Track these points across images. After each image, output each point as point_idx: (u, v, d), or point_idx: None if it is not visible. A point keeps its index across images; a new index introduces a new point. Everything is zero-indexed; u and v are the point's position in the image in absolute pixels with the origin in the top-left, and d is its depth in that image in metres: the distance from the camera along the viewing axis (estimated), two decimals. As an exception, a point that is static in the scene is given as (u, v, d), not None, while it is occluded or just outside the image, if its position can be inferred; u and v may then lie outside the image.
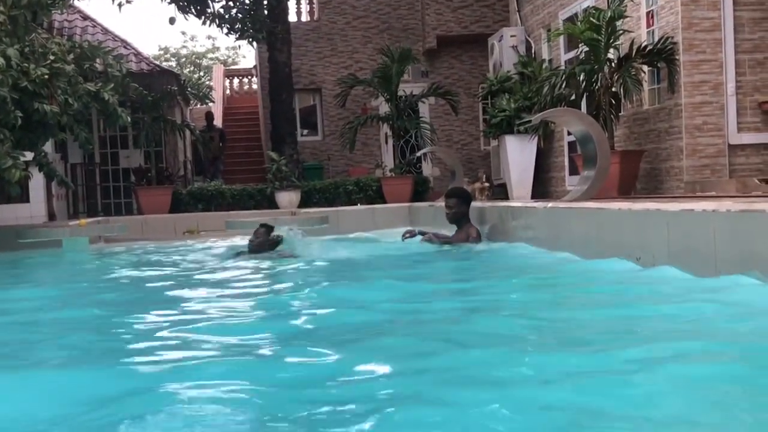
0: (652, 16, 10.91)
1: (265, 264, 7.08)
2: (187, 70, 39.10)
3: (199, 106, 23.21)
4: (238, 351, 3.25)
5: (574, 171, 12.84)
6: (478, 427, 2.05)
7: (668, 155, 10.46)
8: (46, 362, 3.19)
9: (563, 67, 12.42)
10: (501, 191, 14.28)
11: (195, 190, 15.44)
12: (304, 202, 14.91)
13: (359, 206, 14.44)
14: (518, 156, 13.81)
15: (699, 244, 4.61)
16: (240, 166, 19.75)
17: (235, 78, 25.49)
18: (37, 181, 12.73)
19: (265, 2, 16.40)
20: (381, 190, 15.27)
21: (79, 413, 2.34)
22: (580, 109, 10.78)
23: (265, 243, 7.74)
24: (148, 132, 15.61)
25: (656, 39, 10.50)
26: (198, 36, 45.93)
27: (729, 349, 2.90)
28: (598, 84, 10.56)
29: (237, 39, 16.71)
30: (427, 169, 18.12)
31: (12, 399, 2.52)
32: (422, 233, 8.46)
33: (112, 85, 10.91)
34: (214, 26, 16.30)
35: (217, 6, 16.32)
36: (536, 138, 13.41)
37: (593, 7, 11.81)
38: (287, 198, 14.68)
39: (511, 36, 15.57)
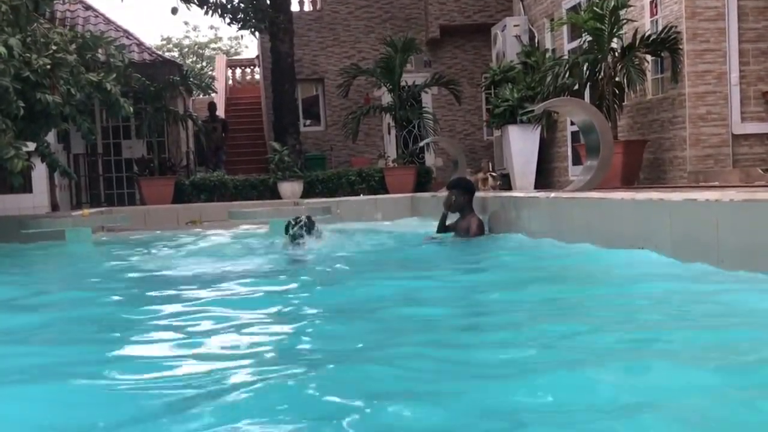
0: (656, 6, 10.86)
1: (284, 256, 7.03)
2: (190, 60, 39.06)
3: (201, 96, 23.17)
4: (239, 344, 3.25)
5: (577, 161, 12.82)
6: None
7: (671, 145, 10.44)
8: (46, 353, 3.19)
9: (566, 57, 12.37)
10: (504, 181, 14.25)
11: (198, 180, 15.44)
12: (307, 193, 14.91)
13: (362, 196, 14.44)
14: (521, 146, 13.78)
15: (702, 234, 4.60)
16: (242, 157, 19.74)
17: (238, 68, 25.45)
18: (39, 172, 12.73)
19: (268, -8, 16.36)
20: (384, 181, 15.26)
21: (80, 405, 2.34)
22: (583, 98, 10.75)
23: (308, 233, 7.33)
24: (151, 122, 15.60)
25: (660, 28, 10.46)
26: (200, 26, 45.95)
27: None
28: (602, 74, 10.52)
29: (239, 29, 16.68)
30: (430, 160, 18.10)
31: (14, 389, 2.53)
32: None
33: (115, 75, 10.88)
34: (216, 16, 16.27)
35: (220, -5, 16.28)
36: (539, 128, 13.39)
37: (597, -4, 11.75)
38: (290, 188, 14.68)
39: (514, 25, 15.51)
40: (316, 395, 2.31)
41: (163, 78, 15.94)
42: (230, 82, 24.53)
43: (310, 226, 7.39)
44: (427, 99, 18.36)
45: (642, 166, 10.66)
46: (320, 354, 3.05)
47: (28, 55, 9.21)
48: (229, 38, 45.91)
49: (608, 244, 5.62)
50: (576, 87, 10.96)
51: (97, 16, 18.11)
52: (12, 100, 8.74)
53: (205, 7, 16.17)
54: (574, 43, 13.22)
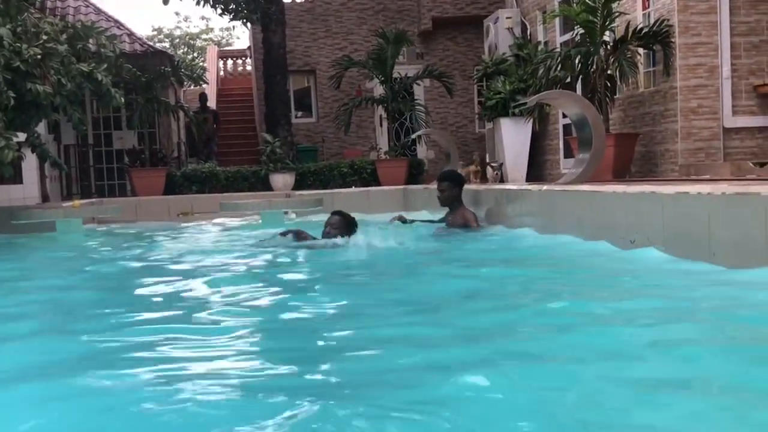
0: (648, -1, 10.87)
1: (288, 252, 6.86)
2: (181, 51, 38.89)
3: (192, 87, 23.09)
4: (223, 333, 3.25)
5: (569, 154, 12.83)
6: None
7: (663, 138, 10.46)
8: (34, 345, 3.18)
9: (559, 50, 12.37)
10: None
11: (189, 171, 15.40)
12: (299, 185, 14.89)
13: (354, 188, 14.43)
14: (513, 139, 13.78)
15: (694, 227, 4.62)
16: (234, 148, 19.69)
17: (229, 59, 25.35)
18: (30, 163, 12.68)
19: (260, -17, 16.29)
20: (376, 173, 15.24)
21: (67, 396, 2.33)
22: (575, 91, 10.75)
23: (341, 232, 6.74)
24: (142, 113, 15.53)
25: (652, 21, 10.47)
26: (192, 17, 45.68)
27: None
28: (594, 66, 10.52)
29: (231, 20, 16.61)
30: (422, 152, 18.09)
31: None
32: (411, 221, 8.47)
33: (106, 65, 10.84)
34: (207, 7, 16.19)
35: (211, -14, 16.20)
36: (531, 121, 13.39)
37: (589, -11, 11.74)
38: (281, 180, 14.65)
39: (507, 18, 15.49)
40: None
41: (154, 68, 15.87)
42: (221, 73, 24.44)
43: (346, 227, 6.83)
44: (419, 91, 18.33)
45: (633, 159, 10.68)
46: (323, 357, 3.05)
47: (18, 44, 9.16)
48: (221, 29, 45.71)
49: (599, 237, 5.64)
50: (568, 80, 10.96)
51: (87, 6, 18.00)
52: (2, 90, 8.69)
53: (197, -3, 16.09)
54: (567, 36, 13.22)
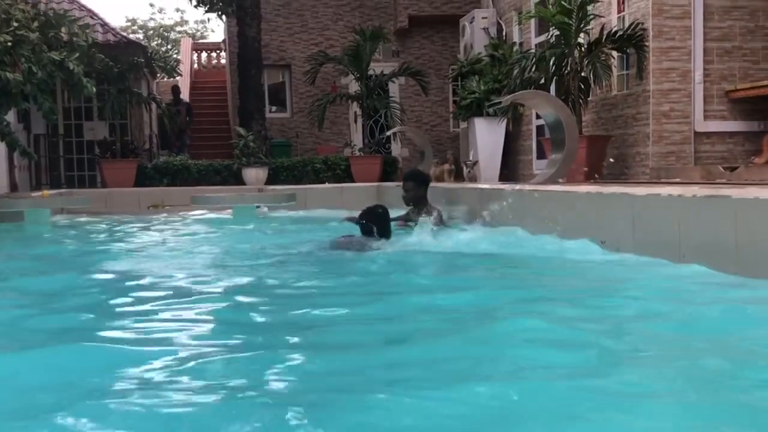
0: (623, 2, 10.95)
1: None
2: (155, 42, 38.54)
3: (166, 79, 22.88)
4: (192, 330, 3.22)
5: (541, 155, 12.90)
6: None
7: (635, 141, 10.54)
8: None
9: (534, 51, 12.43)
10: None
11: (160, 164, 15.27)
12: (272, 180, 14.82)
13: (327, 185, 14.39)
14: (487, 138, 13.84)
15: (664, 229, 4.65)
16: (207, 141, 19.54)
17: (204, 52, 25.18)
18: (-2, 151, 12.50)
19: (236, -25, 16.19)
20: (349, 169, 15.22)
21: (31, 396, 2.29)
22: (549, 92, 10.80)
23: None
24: (114, 104, 15.36)
25: (626, 25, 10.55)
26: (166, 8, 45.27)
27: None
28: (568, 68, 10.58)
29: (206, 12, 16.52)
30: (397, 149, 18.09)
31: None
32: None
33: (78, 54, 10.72)
34: (183, -2, 16.07)
35: (187, -22, 16.09)
36: (505, 121, 13.44)
37: (565, -10, 11.81)
38: (254, 174, 14.57)
39: (483, 18, 15.55)
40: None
41: (127, 59, 15.70)
42: (195, 65, 24.25)
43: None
44: (394, 89, 18.33)
45: (605, 161, 10.76)
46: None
47: (-12, 31, 9.03)
48: (195, 21, 45.40)
49: (570, 237, 5.66)
50: (542, 81, 11.01)
51: (60, -5, 17.76)
52: (-29, 77, 8.56)
53: (172, -12, 15.96)
54: (542, 37, 13.29)
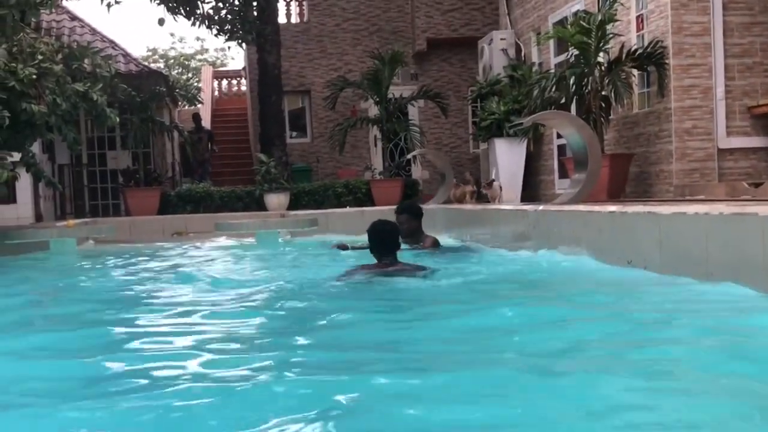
0: (642, 20, 10.93)
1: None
2: (176, 71, 38.93)
3: (187, 107, 23.10)
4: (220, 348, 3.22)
5: (563, 174, 12.85)
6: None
7: (658, 159, 10.48)
8: (27, 365, 3.14)
9: (553, 71, 12.43)
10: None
11: (183, 191, 15.37)
12: (293, 205, 14.86)
13: (348, 208, 14.40)
14: (508, 159, 13.81)
15: (691, 247, 4.61)
16: (228, 168, 19.67)
17: (224, 79, 25.41)
18: (24, 182, 12.64)
19: (255, 3, 16.34)
20: (370, 193, 15.24)
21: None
22: (570, 112, 10.78)
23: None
24: (137, 133, 15.53)
25: (646, 43, 10.52)
26: (187, 37, 45.72)
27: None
28: (589, 87, 10.56)
29: (226, 40, 16.66)
30: (417, 172, 18.11)
31: None
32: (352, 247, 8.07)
33: (101, 85, 10.84)
34: (203, 27, 16.24)
35: (207, 7, 16.24)
36: (526, 141, 13.42)
37: (583, 10, 11.82)
38: (276, 200, 14.63)
39: (501, 39, 15.58)
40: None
41: (149, 89, 15.88)
42: (216, 93, 24.48)
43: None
44: (413, 112, 18.38)
45: (628, 179, 10.70)
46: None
47: (14, 64, 9.17)
48: (216, 49, 45.84)
49: (596, 257, 5.63)
50: (563, 101, 10.99)
51: (83, 27, 18.03)
52: (-3, 110, 8.68)
53: (192, 18, 16.14)
54: (561, 57, 13.28)
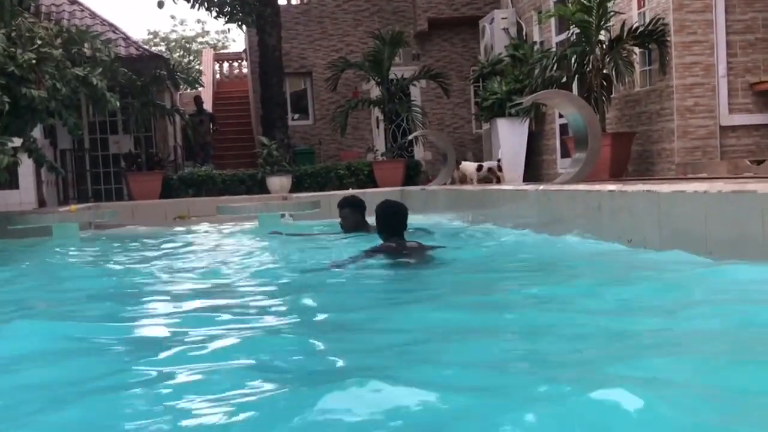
0: (644, -2, 10.86)
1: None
2: (177, 54, 38.84)
3: (188, 90, 23.04)
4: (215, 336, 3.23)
5: (565, 154, 12.82)
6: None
7: (659, 137, 10.45)
8: (29, 349, 3.15)
9: (554, 50, 12.37)
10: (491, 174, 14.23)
11: (185, 175, 15.37)
12: (296, 187, 14.87)
13: (351, 191, 14.39)
14: (510, 139, 13.78)
15: (691, 226, 4.60)
16: (230, 151, 19.66)
17: (225, 62, 25.32)
18: (26, 168, 12.65)
19: (254, -15, 16.27)
20: (373, 174, 15.23)
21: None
22: (571, 91, 10.75)
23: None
24: (138, 117, 15.52)
25: (647, 20, 10.46)
26: (187, 20, 45.49)
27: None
28: (590, 66, 10.52)
29: (226, 22, 16.60)
30: (419, 153, 18.08)
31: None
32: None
33: (101, 69, 10.83)
34: (203, 10, 16.18)
35: (206, -11, 16.18)
36: (528, 121, 13.38)
37: (584, -12, 11.74)
38: (278, 183, 14.63)
39: (503, 18, 15.50)
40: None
41: (149, 72, 15.85)
42: (217, 76, 24.39)
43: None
44: (415, 92, 18.33)
45: (630, 158, 10.67)
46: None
47: (12, 49, 9.15)
48: (216, 32, 45.66)
49: (596, 236, 5.62)
50: (564, 79, 10.95)
51: (82, 11, 17.97)
52: (-3, 95, 8.67)
53: (192, 0, 16.08)
54: (562, 36, 13.22)
